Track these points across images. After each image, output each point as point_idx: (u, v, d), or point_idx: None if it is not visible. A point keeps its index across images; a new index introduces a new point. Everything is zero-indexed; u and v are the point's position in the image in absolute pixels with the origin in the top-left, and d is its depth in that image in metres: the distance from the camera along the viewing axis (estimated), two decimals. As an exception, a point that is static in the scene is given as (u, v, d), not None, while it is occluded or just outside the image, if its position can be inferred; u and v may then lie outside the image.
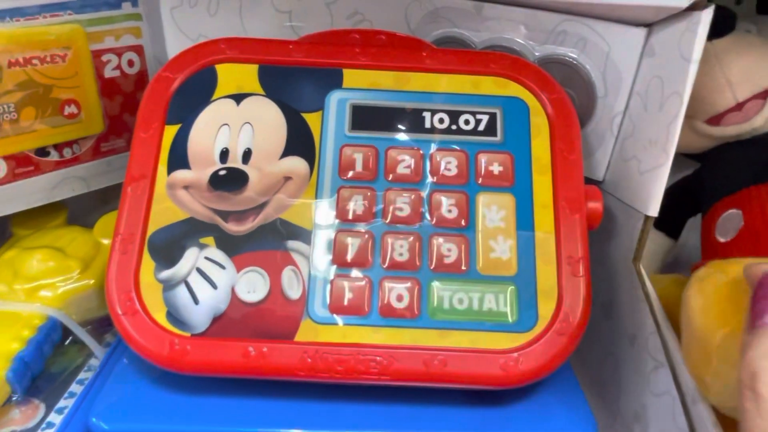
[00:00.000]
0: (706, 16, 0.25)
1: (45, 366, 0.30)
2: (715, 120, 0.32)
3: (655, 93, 0.28)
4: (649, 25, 0.29)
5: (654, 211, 0.28)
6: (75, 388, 0.29)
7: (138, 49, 0.34)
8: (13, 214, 0.32)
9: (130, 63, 0.34)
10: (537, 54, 0.32)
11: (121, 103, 0.34)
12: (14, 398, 0.28)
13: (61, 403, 0.28)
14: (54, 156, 0.32)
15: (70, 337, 0.31)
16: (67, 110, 0.31)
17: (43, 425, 0.27)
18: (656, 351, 0.28)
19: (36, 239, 0.33)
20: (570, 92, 0.32)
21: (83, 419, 0.27)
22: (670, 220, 0.36)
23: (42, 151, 0.31)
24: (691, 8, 0.26)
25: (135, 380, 0.27)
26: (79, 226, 0.34)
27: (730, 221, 0.30)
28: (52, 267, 0.31)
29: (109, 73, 0.33)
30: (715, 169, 0.33)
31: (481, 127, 0.29)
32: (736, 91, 0.31)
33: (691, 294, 0.26)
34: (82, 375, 0.30)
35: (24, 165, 0.31)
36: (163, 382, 0.27)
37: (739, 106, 0.31)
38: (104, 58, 0.32)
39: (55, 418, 0.27)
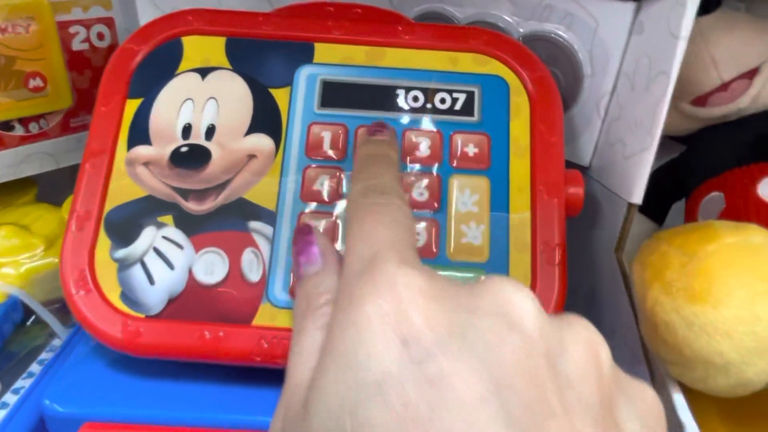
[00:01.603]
0: (697, -12, 0.24)
1: (4, 344, 0.29)
2: (701, 101, 0.30)
3: (643, 72, 0.27)
4: (639, 0, 0.27)
5: (638, 198, 0.27)
6: (34, 368, 0.28)
7: (108, 22, 0.33)
8: (-20, 190, 0.32)
9: (100, 36, 0.32)
10: (521, 30, 0.30)
11: (90, 78, 0.33)
12: (-30, 377, 0.27)
13: (19, 383, 0.27)
14: (19, 131, 0.31)
15: (33, 316, 0.30)
16: (32, 83, 0.30)
17: (-2, 405, 0.26)
18: (635, 345, 0.26)
19: (2, 216, 0.32)
20: (555, 72, 0.30)
21: (38, 401, 0.26)
22: (654, 204, 0.34)
23: (6, 126, 0.30)
24: (681, -20, 0.24)
25: (94, 362, 0.26)
26: (48, 204, 0.33)
27: (712, 204, 0.28)
28: (16, 244, 0.30)
29: (77, 45, 0.32)
30: (700, 152, 0.31)
31: (458, 106, 0.28)
32: (722, 71, 0.29)
33: (633, 264, 0.25)
34: (43, 355, 0.29)
35: (-13, 139, 0.30)
36: (123, 365, 0.26)
37: (725, 87, 0.30)
38: (72, 30, 0.31)
39: (10, 399, 0.26)
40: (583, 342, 0.15)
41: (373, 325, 0.14)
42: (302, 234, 0.21)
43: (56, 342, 0.30)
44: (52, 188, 0.36)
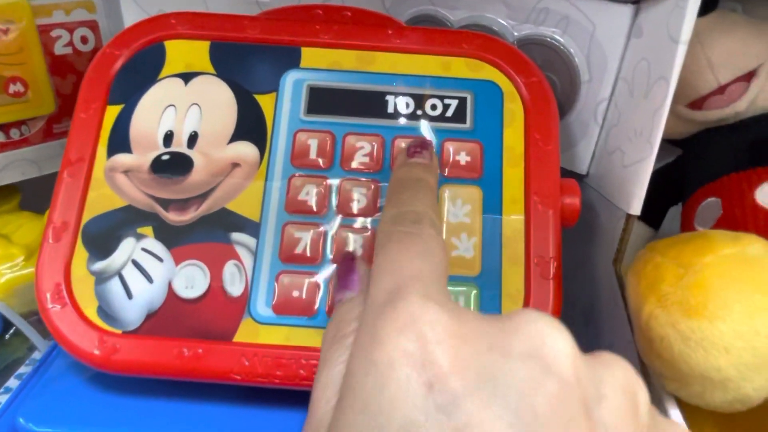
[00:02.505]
0: (697, -9, 0.23)
1: (-18, 359, 0.28)
2: (697, 104, 0.29)
3: (642, 78, 0.26)
4: (637, 2, 0.26)
5: (636, 209, 0.26)
6: (12, 383, 0.27)
7: (92, 25, 0.32)
8: (-39, 198, 0.31)
9: (84, 39, 0.32)
10: (516, 34, 0.29)
11: (74, 83, 0.32)
12: (-55, 393, 0.26)
13: (-5, 399, 0.26)
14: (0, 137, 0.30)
15: (13, 328, 0.30)
16: (12, 88, 0.29)
17: (-28, 423, 0.25)
18: (633, 362, 0.25)
19: (-18, 225, 0.31)
20: (552, 77, 0.29)
21: (13, 418, 0.25)
22: (651, 208, 0.33)
23: (-14, 132, 0.30)
24: (682, -18, 0.23)
25: (72, 378, 0.25)
26: (30, 212, 0.33)
27: (709, 210, 0.28)
28: (-5, 254, 0.29)
29: (59, 50, 0.31)
30: (696, 156, 0.30)
31: (449, 113, 0.27)
32: (718, 74, 0.28)
33: (627, 275, 0.24)
34: (22, 369, 0.28)
35: (-34, 146, 0.29)
36: (102, 381, 0.25)
37: (722, 89, 0.29)
38: (54, 33, 0.30)
39: (-15, 416, 0.26)
40: (620, 386, 0.14)
41: (396, 367, 0.13)
42: (345, 259, 0.20)
43: (36, 355, 0.29)
44: (35, 195, 0.35)
